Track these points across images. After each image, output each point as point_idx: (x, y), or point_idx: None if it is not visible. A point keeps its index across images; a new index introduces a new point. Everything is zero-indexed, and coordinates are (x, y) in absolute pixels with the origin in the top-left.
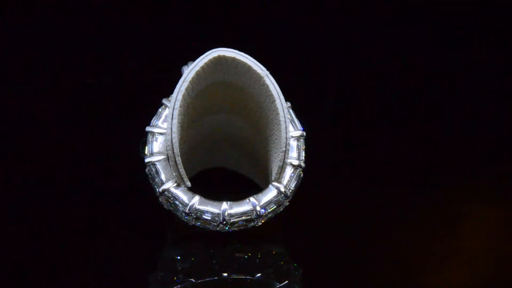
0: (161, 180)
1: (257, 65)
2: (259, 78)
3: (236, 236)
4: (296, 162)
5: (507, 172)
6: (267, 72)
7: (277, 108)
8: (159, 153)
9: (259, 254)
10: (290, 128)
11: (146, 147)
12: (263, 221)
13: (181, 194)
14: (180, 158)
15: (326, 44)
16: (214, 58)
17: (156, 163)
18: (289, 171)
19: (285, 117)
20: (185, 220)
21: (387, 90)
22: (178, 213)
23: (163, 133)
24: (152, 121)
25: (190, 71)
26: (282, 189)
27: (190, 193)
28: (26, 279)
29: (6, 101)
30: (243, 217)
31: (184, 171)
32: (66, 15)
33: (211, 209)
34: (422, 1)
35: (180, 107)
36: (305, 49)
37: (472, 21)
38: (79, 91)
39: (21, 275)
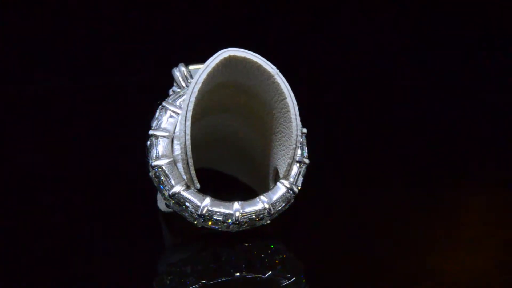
0: (171, 183)
1: (267, 63)
2: (269, 76)
3: (239, 235)
4: (301, 159)
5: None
6: (277, 71)
7: (288, 106)
8: (164, 156)
9: (264, 253)
10: None
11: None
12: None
13: (192, 197)
14: (192, 160)
15: (326, 44)
16: (225, 58)
17: (163, 166)
18: (295, 168)
19: (295, 115)
20: (194, 223)
21: (387, 89)
22: (187, 215)
23: (166, 136)
24: (152, 124)
25: (202, 72)
26: (291, 186)
27: (200, 195)
28: (25, 284)
29: (5, 102)
30: (254, 216)
31: (195, 173)
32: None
33: (223, 210)
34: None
35: (193, 109)
36: (305, 49)
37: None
38: (70, 93)
39: (19, 279)
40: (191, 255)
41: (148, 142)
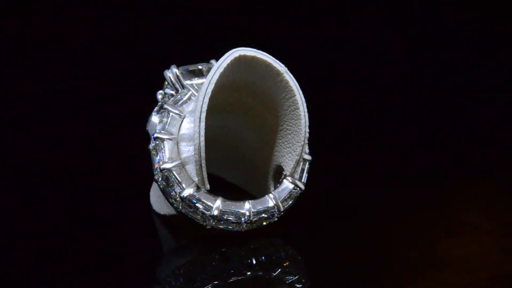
0: (181, 186)
1: (276, 62)
2: (278, 74)
3: (242, 235)
4: (305, 156)
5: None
6: (286, 69)
7: (297, 103)
8: (172, 159)
9: (266, 252)
10: None
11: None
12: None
13: (204, 198)
14: (205, 162)
15: (327, 44)
16: (235, 58)
17: (172, 169)
18: (300, 164)
19: (304, 111)
20: (204, 224)
21: (388, 89)
22: (198, 217)
23: (171, 138)
24: (149, 126)
25: (214, 72)
26: (297, 183)
27: (211, 196)
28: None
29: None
30: (265, 215)
31: (206, 174)
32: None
33: (235, 209)
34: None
35: (206, 110)
36: (304, 49)
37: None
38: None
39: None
40: (196, 257)
41: (152, 145)
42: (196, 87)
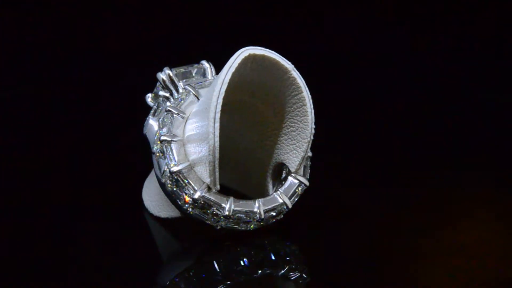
0: (193, 187)
1: (283, 59)
2: (285, 72)
3: (244, 235)
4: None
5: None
6: (293, 66)
7: (304, 99)
8: (180, 161)
9: (268, 250)
10: None
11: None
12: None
13: (216, 198)
14: (218, 162)
15: (328, 44)
16: (246, 57)
17: (183, 171)
18: (304, 161)
19: (311, 108)
20: (215, 224)
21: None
22: (209, 217)
23: (177, 141)
24: (149, 128)
25: (227, 72)
26: (303, 180)
27: (223, 196)
28: None
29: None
30: (273, 212)
31: (218, 174)
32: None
33: (247, 208)
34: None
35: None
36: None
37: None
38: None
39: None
40: (203, 258)
41: (157, 148)
42: (196, 88)
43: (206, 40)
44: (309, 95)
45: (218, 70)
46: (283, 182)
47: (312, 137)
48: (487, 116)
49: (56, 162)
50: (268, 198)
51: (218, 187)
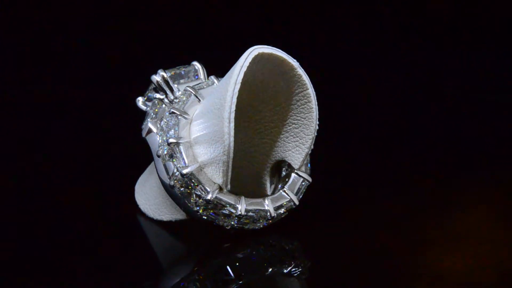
0: (205, 189)
1: (289, 57)
2: (291, 69)
3: (245, 234)
4: None
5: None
6: (298, 64)
7: (309, 96)
8: (190, 163)
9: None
10: None
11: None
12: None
13: (229, 199)
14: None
15: (329, 44)
16: (255, 56)
17: (194, 173)
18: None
19: (316, 105)
20: (225, 224)
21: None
22: (221, 218)
23: (185, 143)
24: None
25: (239, 72)
26: (306, 176)
27: (234, 196)
28: None
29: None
30: (281, 210)
31: (231, 174)
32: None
33: (258, 207)
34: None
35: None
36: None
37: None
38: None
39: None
40: (210, 259)
41: (163, 151)
42: (196, 89)
43: (195, 43)
44: (314, 92)
45: (211, 72)
46: (286, 180)
47: (316, 133)
48: (487, 116)
49: (54, 163)
50: (275, 196)
51: (229, 187)
